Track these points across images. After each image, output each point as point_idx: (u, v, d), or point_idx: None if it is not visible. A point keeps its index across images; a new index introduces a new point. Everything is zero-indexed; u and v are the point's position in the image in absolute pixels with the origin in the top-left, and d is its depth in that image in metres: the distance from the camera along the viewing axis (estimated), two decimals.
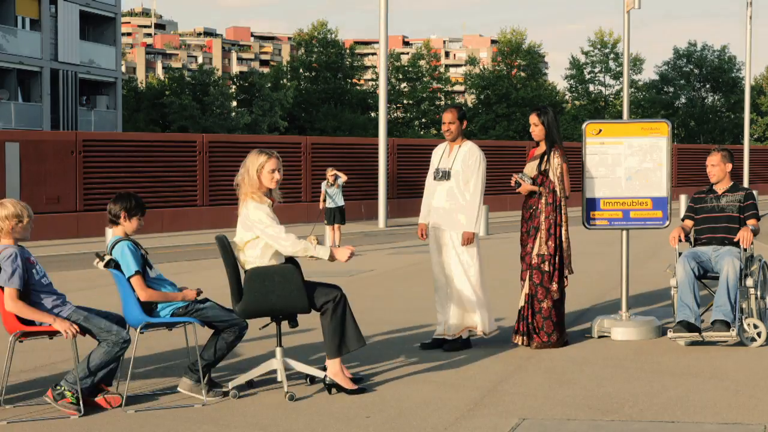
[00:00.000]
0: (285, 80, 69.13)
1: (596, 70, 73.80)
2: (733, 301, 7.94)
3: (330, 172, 19.55)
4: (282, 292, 6.64)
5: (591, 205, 8.63)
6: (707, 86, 74.60)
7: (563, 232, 8.11)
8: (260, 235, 6.68)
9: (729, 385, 6.76)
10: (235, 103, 65.65)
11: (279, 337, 6.88)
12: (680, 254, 8.35)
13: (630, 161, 8.55)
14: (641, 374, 7.12)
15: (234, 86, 66.17)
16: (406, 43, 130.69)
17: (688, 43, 76.82)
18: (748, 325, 8.02)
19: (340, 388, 6.69)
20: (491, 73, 73.70)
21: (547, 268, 8.06)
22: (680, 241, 8.52)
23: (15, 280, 6.22)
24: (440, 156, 8.43)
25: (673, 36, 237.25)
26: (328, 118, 67.16)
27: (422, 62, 77.30)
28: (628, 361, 7.64)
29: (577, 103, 73.92)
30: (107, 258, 6.63)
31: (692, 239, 8.69)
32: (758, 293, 8.19)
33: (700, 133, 73.58)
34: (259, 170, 6.74)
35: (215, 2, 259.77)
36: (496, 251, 16.61)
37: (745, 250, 8.22)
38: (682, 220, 8.75)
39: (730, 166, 8.61)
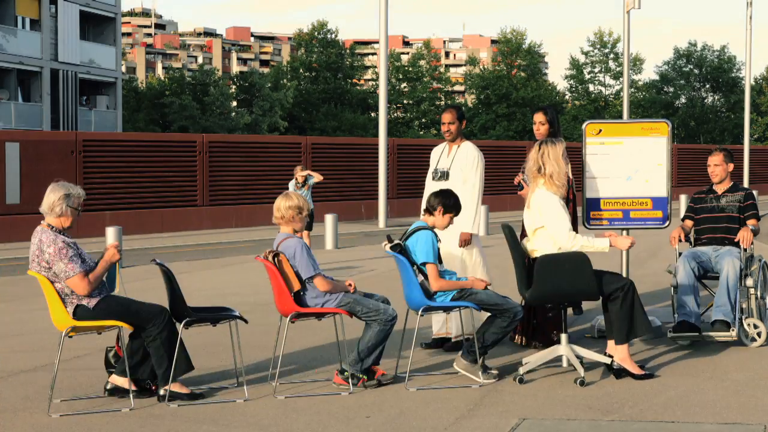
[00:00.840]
0: (285, 80, 69.14)
1: (596, 70, 73.83)
2: (733, 301, 7.94)
3: (300, 172, 16.72)
4: (573, 279, 6.82)
5: (591, 205, 8.62)
6: (707, 86, 74.62)
7: None
8: (546, 225, 6.89)
9: (729, 385, 6.76)
10: (235, 103, 65.68)
11: (564, 324, 7.08)
12: (680, 254, 8.35)
13: (630, 161, 8.54)
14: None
15: (234, 86, 66.19)
16: (406, 43, 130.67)
17: (688, 43, 76.89)
18: (749, 325, 8.02)
19: (627, 373, 6.89)
20: (491, 73, 73.72)
21: None
22: (680, 241, 8.52)
23: (317, 267, 6.80)
24: (439, 156, 8.46)
25: (673, 36, 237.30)
26: (328, 118, 67.19)
27: (422, 62, 77.35)
28: None
29: (577, 103, 73.93)
30: (396, 242, 7.04)
31: (692, 239, 8.69)
32: (758, 293, 8.19)
33: (700, 133, 73.60)
34: (563, 158, 6.99)
35: (215, 2, 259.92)
36: (495, 251, 16.58)
37: (745, 250, 8.22)
38: (682, 220, 8.75)
39: (731, 166, 8.62)
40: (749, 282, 8.10)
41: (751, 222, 8.41)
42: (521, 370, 6.96)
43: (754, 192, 8.85)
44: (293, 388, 6.88)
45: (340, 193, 30.02)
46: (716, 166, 8.60)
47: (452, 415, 6.07)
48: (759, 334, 7.98)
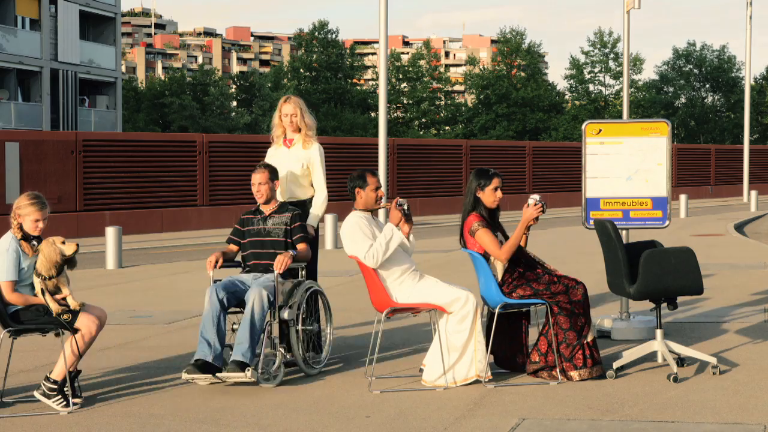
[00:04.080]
0: (285, 80, 69.19)
1: (596, 70, 73.83)
2: (254, 338, 6.94)
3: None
4: (679, 274, 6.88)
5: (591, 205, 8.63)
6: (707, 86, 74.65)
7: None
8: None
9: (729, 385, 6.76)
10: (235, 103, 65.76)
11: (659, 319, 7.09)
12: (214, 282, 7.28)
13: (630, 161, 8.55)
14: (641, 374, 7.12)
15: (234, 86, 66.27)
16: (406, 43, 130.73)
17: (687, 43, 76.87)
18: (307, 357, 7.32)
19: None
20: (491, 73, 73.73)
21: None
22: (216, 267, 7.39)
23: None
24: None
25: (673, 36, 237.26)
26: (328, 118, 67.21)
27: (422, 62, 77.38)
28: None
29: (577, 103, 73.93)
30: None
31: (242, 266, 7.66)
32: (298, 326, 7.22)
33: (700, 133, 73.62)
34: None
35: (215, 2, 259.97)
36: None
37: (288, 277, 7.41)
38: (227, 242, 7.70)
39: (278, 184, 7.71)
40: (285, 315, 7.13)
41: (300, 246, 7.50)
42: (614, 365, 6.97)
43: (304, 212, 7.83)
44: (294, 387, 6.88)
45: (340, 193, 29.96)
46: (260, 184, 7.53)
47: (452, 415, 6.07)
48: (276, 376, 7.02)
